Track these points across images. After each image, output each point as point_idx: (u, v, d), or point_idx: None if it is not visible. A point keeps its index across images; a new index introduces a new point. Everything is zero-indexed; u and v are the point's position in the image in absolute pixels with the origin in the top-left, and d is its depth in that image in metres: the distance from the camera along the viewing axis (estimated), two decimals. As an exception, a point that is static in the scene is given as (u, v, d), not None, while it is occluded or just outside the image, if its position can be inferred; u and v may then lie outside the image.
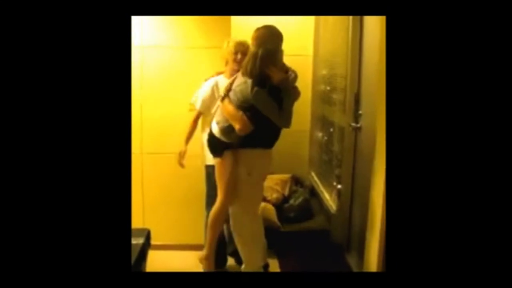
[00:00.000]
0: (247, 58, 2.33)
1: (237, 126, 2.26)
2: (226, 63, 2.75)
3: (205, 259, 2.60)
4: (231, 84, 2.39)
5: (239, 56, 2.66)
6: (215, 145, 2.44)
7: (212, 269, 2.62)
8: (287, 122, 2.36)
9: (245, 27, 3.28)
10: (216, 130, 2.38)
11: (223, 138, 2.37)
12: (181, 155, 2.88)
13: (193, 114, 2.85)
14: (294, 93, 2.43)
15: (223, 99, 2.36)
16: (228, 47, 2.70)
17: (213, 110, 2.73)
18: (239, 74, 2.39)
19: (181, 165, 2.88)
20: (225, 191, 2.48)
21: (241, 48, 2.66)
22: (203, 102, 2.77)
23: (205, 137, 2.77)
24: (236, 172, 2.42)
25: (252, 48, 2.33)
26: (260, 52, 2.24)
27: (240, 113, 2.26)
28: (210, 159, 2.75)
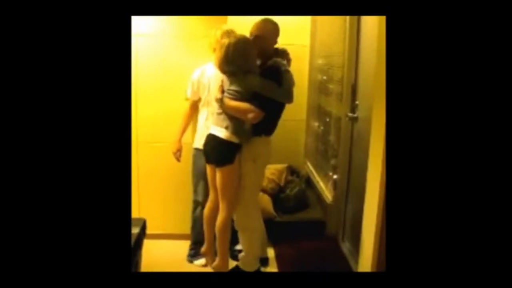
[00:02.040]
0: (220, 53, 2.33)
1: (250, 116, 2.27)
2: (214, 50, 2.74)
3: (220, 268, 2.59)
4: (221, 86, 2.41)
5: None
6: (228, 151, 2.37)
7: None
8: (289, 97, 2.38)
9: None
10: (227, 135, 2.33)
11: (236, 139, 2.35)
12: (178, 153, 2.97)
13: (186, 105, 2.93)
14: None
15: (221, 101, 2.33)
16: (215, 35, 2.70)
17: (203, 98, 2.80)
18: (224, 77, 2.42)
19: (178, 160, 2.98)
20: (232, 199, 2.46)
21: (224, 36, 2.64)
22: (192, 90, 2.86)
23: (200, 123, 2.84)
24: (241, 163, 2.42)
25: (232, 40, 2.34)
26: (232, 44, 2.28)
27: (246, 103, 2.28)
28: (198, 143, 2.82)
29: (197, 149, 2.86)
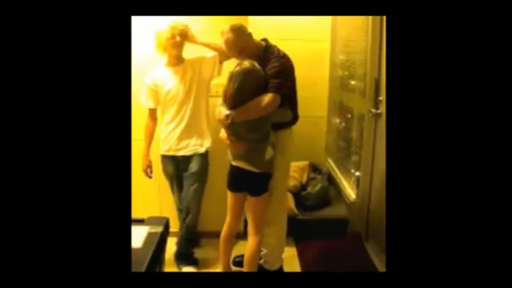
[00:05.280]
0: (227, 87, 2.20)
1: (265, 103, 2.20)
2: (165, 49, 2.61)
3: None
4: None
5: (178, 38, 2.55)
6: (263, 181, 2.34)
7: None
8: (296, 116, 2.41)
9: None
10: (259, 167, 2.29)
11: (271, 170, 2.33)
12: (149, 170, 2.82)
13: (146, 116, 2.76)
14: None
15: (231, 117, 2.21)
16: (162, 34, 2.55)
17: (162, 102, 2.67)
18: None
19: (150, 177, 2.84)
20: (263, 224, 2.43)
21: (176, 31, 2.55)
22: (149, 97, 2.70)
23: (163, 128, 2.71)
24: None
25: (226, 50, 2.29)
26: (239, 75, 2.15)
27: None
28: (165, 149, 2.72)
29: (164, 156, 2.78)
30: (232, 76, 2.16)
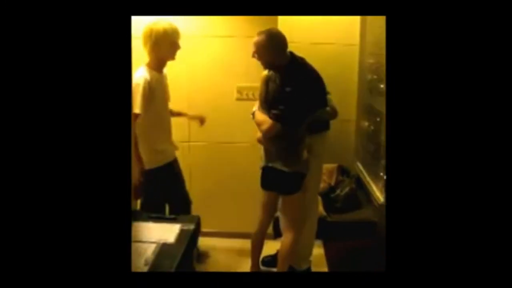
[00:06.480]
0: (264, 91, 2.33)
1: (263, 127, 2.33)
2: (160, 53, 2.41)
3: None
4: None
5: (179, 43, 2.42)
6: (296, 181, 2.39)
7: None
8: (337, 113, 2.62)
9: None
10: (291, 167, 2.35)
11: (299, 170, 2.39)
12: (140, 186, 2.40)
13: (133, 122, 2.28)
14: None
15: (253, 114, 2.40)
16: (165, 37, 2.35)
17: (154, 108, 2.42)
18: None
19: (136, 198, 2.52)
20: (301, 223, 2.49)
21: (178, 35, 2.41)
22: (144, 102, 2.35)
23: (153, 137, 2.47)
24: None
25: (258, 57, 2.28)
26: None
27: (263, 116, 2.33)
28: (155, 161, 2.51)
29: (157, 168, 2.50)
30: (268, 79, 2.27)
